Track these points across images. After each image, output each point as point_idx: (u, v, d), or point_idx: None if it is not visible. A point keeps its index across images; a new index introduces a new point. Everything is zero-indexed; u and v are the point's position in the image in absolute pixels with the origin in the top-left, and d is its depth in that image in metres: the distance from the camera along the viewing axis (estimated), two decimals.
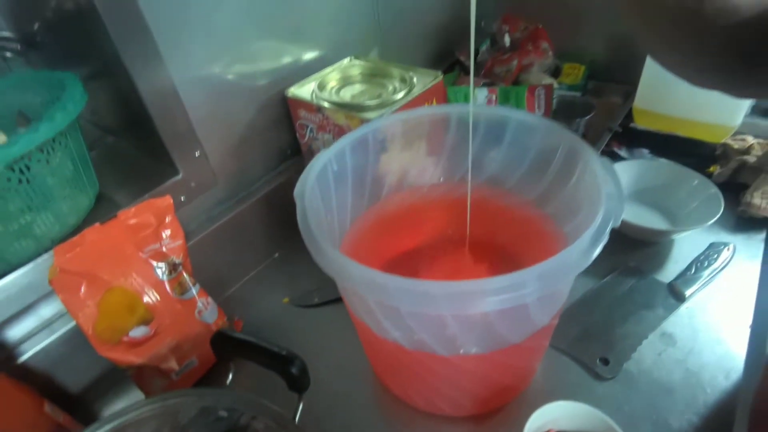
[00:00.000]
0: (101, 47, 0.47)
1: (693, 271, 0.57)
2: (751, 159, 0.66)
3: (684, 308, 0.54)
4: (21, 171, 0.39)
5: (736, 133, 0.75)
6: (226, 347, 0.39)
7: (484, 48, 0.95)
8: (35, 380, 0.47)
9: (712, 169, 0.71)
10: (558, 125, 0.43)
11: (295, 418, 0.35)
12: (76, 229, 0.48)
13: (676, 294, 0.55)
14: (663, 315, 0.53)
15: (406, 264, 0.51)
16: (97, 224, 0.48)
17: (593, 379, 0.49)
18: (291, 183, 0.68)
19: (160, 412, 0.39)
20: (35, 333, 0.49)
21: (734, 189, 0.67)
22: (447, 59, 0.95)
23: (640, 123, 0.82)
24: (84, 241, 0.47)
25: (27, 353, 0.48)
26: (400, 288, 0.29)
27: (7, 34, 0.66)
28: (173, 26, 0.49)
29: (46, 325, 0.50)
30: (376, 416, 0.48)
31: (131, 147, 0.61)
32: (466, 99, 0.74)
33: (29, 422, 0.43)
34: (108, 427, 0.37)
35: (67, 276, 0.46)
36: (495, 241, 0.51)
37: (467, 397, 0.43)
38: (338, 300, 0.60)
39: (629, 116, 0.82)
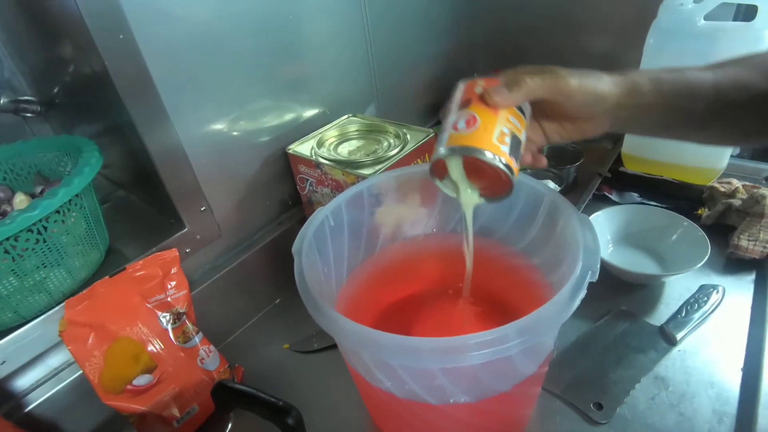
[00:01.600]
0: (113, 108, 0.51)
1: (684, 314, 0.58)
2: (736, 202, 0.68)
3: (676, 351, 0.55)
4: (39, 232, 0.42)
5: (723, 175, 0.78)
6: (227, 398, 0.41)
7: None
8: (40, 428, 0.49)
9: (700, 211, 0.74)
10: (541, 183, 0.46)
11: None
12: (87, 282, 0.51)
13: (667, 337, 0.56)
14: (655, 358, 0.54)
15: (402, 312, 0.53)
16: (106, 278, 0.51)
17: (588, 424, 0.49)
18: (292, 232, 0.71)
19: None
20: (43, 382, 0.50)
21: (722, 231, 0.69)
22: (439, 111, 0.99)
23: (629, 167, 0.85)
24: (93, 294, 0.50)
25: (34, 402, 0.49)
26: (390, 344, 0.31)
27: (29, 97, 0.71)
28: (180, 89, 0.53)
29: (54, 374, 0.51)
30: None
31: (140, 201, 0.65)
32: None
33: None
34: None
35: (76, 328, 0.48)
36: (487, 289, 0.53)
37: None
38: (337, 345, 0.62)
39: (618, 161, 0.86)
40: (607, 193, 0.81)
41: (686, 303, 0.59)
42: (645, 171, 0.82)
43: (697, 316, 0.57)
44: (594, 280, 0.35)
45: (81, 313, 0.49)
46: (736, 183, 0.74)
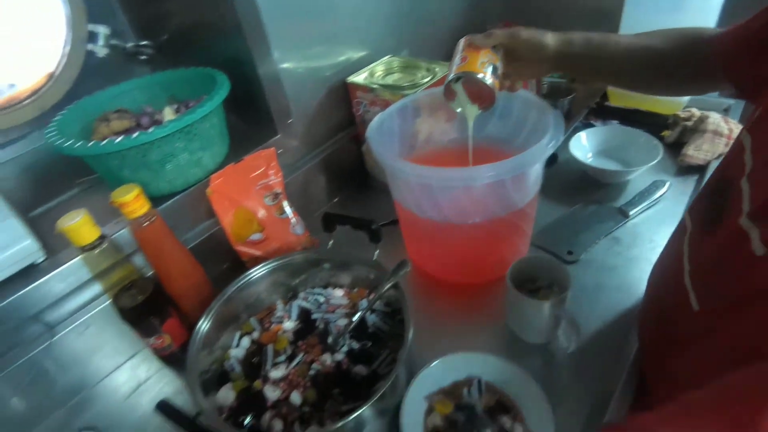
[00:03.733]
0: (231, 46, 0.72)
1: (638, 198, 0.80)
2: (689, 123, 0.88)
3: (629, 223, 0.77)
4: (196, 127, 0.65)
5: (686, 107, 0.97)
6: (332, 220, 0.64)
7: None
8: (199, 258, 0.72)
9: (664, 133, 0.94)
10: (531, 95, 0.67)
11: (373, 258, 0.60)
12: (220, 166, 0.74)
13: (623, 213, 0.78)
14: (612, 226, 0.76)
15: None
16: (231, 164, 0.74)
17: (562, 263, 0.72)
18: (346, 147, 0.94)
19: (282, 264, 0.64)
20: (192, 233, 0.74)
21: (680, 148, 0.90)
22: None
23: (614, 102, 1.05)
24: (225, 173, 0.73)
25: (189, 245, 0.73)
26: (434, 173, 0.54)
27: (146, 42, 0.93)
28: (276, 31, 0.74)
29: (201, 223, 0.75)
30: (416, 286, 0.72)
31: (237, 120, 0.87)
32: None
33: (198, 284, 0.68)
34: (244, 280, 0.63)
35: (217, 194, 0.72)
36: None
37: (477, 265, 0.68)
38: (385, 224, 0.85)
39: (605, 97, 1.06)
40: (592, 121, 1.01)
41: (641, 192, 0.81)
42: (624, 104, 1.03)
43: (647, 200, 0.79)
44: (557, 145, 0.56)
45: (219, 185, 0.72)
46: (696, 112, 0.93)
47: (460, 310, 0.69)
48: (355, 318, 0.59)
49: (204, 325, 0.58)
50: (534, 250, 0.75)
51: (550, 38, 0.56)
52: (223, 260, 0.78)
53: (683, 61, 0.53)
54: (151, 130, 0.59)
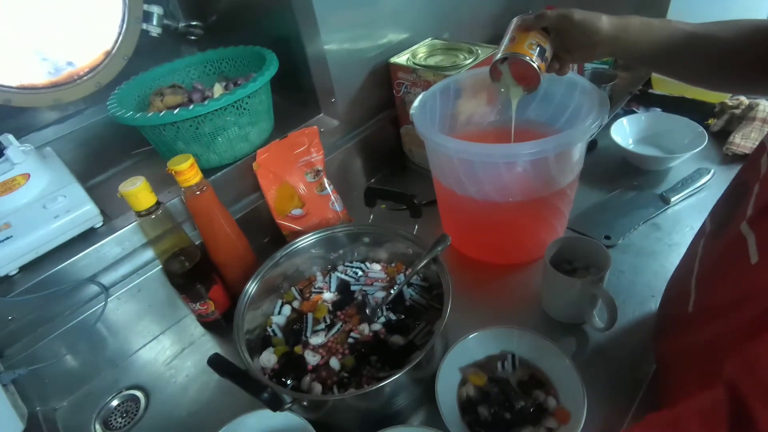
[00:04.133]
0: (281, 25, 0.74)
1: (680, 185, 0.78)
2: (737, 111, 0.86)
3: (670, 210, 0.76)
4: (247, 102, 0.68)
5: (734, 96, 0.95)
6: (373, 195, 0.66)
7: None
8: (245, 231, 0.75)
9: (710, 121, 0.92)
10: (577, 75, 0.67)
11: (413, 232, 0.62)
12: (265, 142, 0.77)
13: (664, 200, 0.77)
14: (653, 212, 0.76)
15: None
16: (276, 140, 0.77)
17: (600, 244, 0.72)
18: (385, 128, 0.95)
19: (324, 237, 0.66)
20: (238, 205, 0.78)
21: (727, 136, 0.87)
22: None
23: (657, 89, 1.03)
24: (270, 149, 0.76)
25: (240, 213, 0.76)
26: (476, 149, 0.55)
27: (196, 22, 0.96)
28: (325, 16, 0.76)
29: (246, 197, 0.78)
30: (454, 265, 0.74)
31: (282, 99, 0.90)
32: None
33: (243, 255, 0.72)
34: (290, 249, 0.65)
35: (263, 169, 0.75)
36: None
37: (514, 245, 0.68)
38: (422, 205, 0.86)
39: (648, 84, 1.04)
40: (634, 108, 1.00)
41: (684, 179, 0.79)
42: (669, 92, 1.00)
43: (690, 188, 0.78)
44: (604, 123, 0.56)
45: (265, 160, 0.75)
46: (745, 100, 0.91)
47: (495, 289, 0.70)
48: (394, 290, 0.61)
49: (251, 287, 0.61)
50: (570, 233, 0.75)
51: (605, 21, 0.52)
52: (264, 233, 0.81)
53: (755, 57, 0.48)
54: (205, 102, 0.62)
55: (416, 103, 0.68)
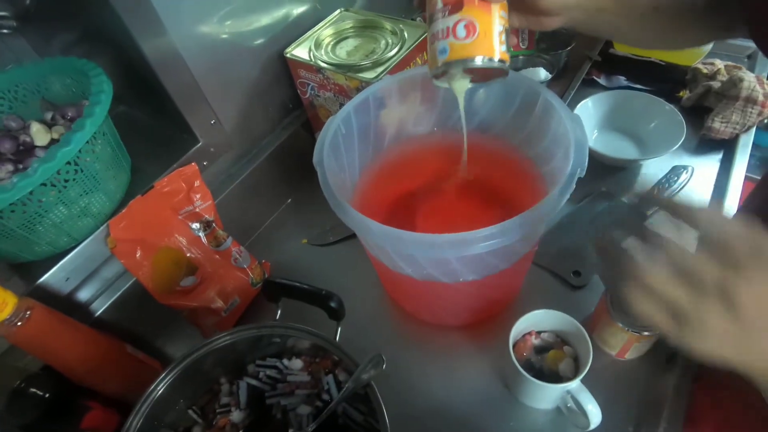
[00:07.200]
0: (101, 15, 0.49)
1: (656, 191, 0.65)
2: (716, 84, 0.72)
3: (647, 223, 0.64)
4: (75, 163, 0.45)
5: (707, 56, 0.80)
6: (275, 291, 0.49)
7: None
8: (113, 329, 0.57)
9: (681, 93, 0.78)
10: (536, 83, 0.49)
11: (335, 338, 0.45)
12: (122, 202, 0.55)
13: (640, 215, 0.64)
14: (628, 232, 0.63)
15: (412, 200, 0.59)
16: (138, 196, 0.55)
17: (568, 289, 0.60)
18: (296, 135, 0.74)
19: (222, 345, 0.49)
20: (102, 292, 0.57)
21: (701, 112, 0.74)
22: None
23: (619, 49, 0.86)
24: (131, 212, 0.55)
25: (100, 309, 0.57)
26: (413, 240, 0.38)
27: (2, 12, 0.67)
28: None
29: (110, 285, 0.58)
30: (395, 330, 0.60)
31: (146, 116, 0.66)
32: None
33: (118, 362, 0.54)
34: (188, 360, 0.48)
35: (124, 244, 0.54)
36: (486, 179, 0.59)
37: (466, 311, 0.54)
38: (350, 237, 0.69)
39: (609, 43, 0.87)
40: (596, 78, 0.83)
41: (658, 183, 0.67)
42: (633, 52, 0.84)
43: (666, 194, 0.65)
44: (582, 176, 0.40)
45: (124, 230, 0.54)
46: (719, 64, 0.76)
47: (451, 357, 0.56)
48: (319, 418, 0.46)
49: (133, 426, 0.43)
50: (536, 270, 0.61)
51: None
52: (154, 315, 0.61)
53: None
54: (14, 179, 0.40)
55: (321, 141, 0.48)
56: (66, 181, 0.46)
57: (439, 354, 0.57)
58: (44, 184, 0.43)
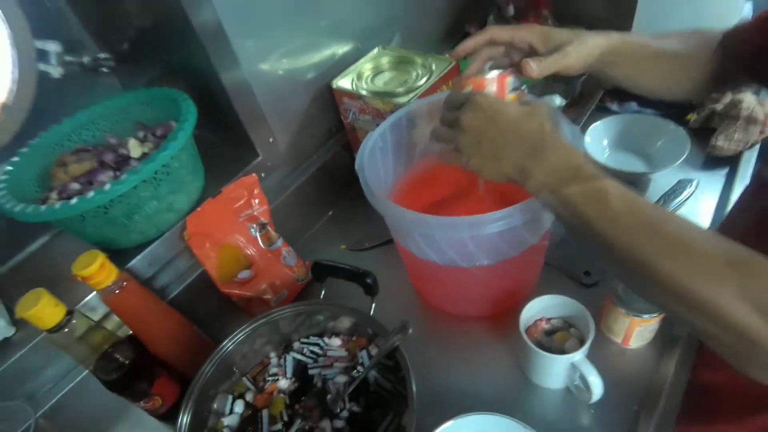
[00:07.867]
0: (190, 55, 0.62)
1: (662, 202, 0.71)
2: (719, 107, 0.78)
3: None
4: (167, 167, 0.57)
5: None
6: (322, 271, 0.58)
7: (491, 17, 1.07)
8: (181, 311, 0.67)
9: (689, 116, 0.84)
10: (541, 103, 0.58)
11: (369, 313, 0.54)
12: (197, 203, 0.67)
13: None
14: None
15: (438, 207, 0.68)
16: (209, 199, 0.67)
17: (579, 287, 0.66)
18: (338, 155, 0.85)
19: (272, 320, 0.58)
20: (175, 279, 0.68)
21: (707, 133, 0.80)
22: (458, 33, 1.07)
23: None
24: (203, 211, 0.66)
25: (172, 294, 0.67)
26: (437, 223, 0.46)
27: (105, 54, 0.83)
28: (242, 36, 0.64)
29: (181, 274, 0.69)
30: (420, 321, 0.67)
31: (214, 137, 0.79)
32: None
33: (186, 337, 0.63)
34: (248, 329, 0.57)
35: (197, 237, 0.65)
36: (499, 190, 0.67)
37: (484, 299, 0.62)
38: (385, 243, 0.78)
39: None
40: (608, 104, 0.91)
41: (665, 194, 0.73)
42: None
43: (673, 204, 0.71)
44: None
45: (198, 226, 0.65)
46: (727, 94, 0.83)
47: (471, 345, 0.63)
48: (356, 377, 0.54)
49: (185, 418, 0.52)
50: (547, 270, 0.68)
51: (593, 34, 0.51)
52: (214, 303, 0.72)
53: (706, 60, 0.52)
54: (107, 187, 0.52)
55: (363, 151, 0.58)
56: (159, 180, 0.57)
57: (459, 341, 0.64)
58: (145, 181, 0.55)
